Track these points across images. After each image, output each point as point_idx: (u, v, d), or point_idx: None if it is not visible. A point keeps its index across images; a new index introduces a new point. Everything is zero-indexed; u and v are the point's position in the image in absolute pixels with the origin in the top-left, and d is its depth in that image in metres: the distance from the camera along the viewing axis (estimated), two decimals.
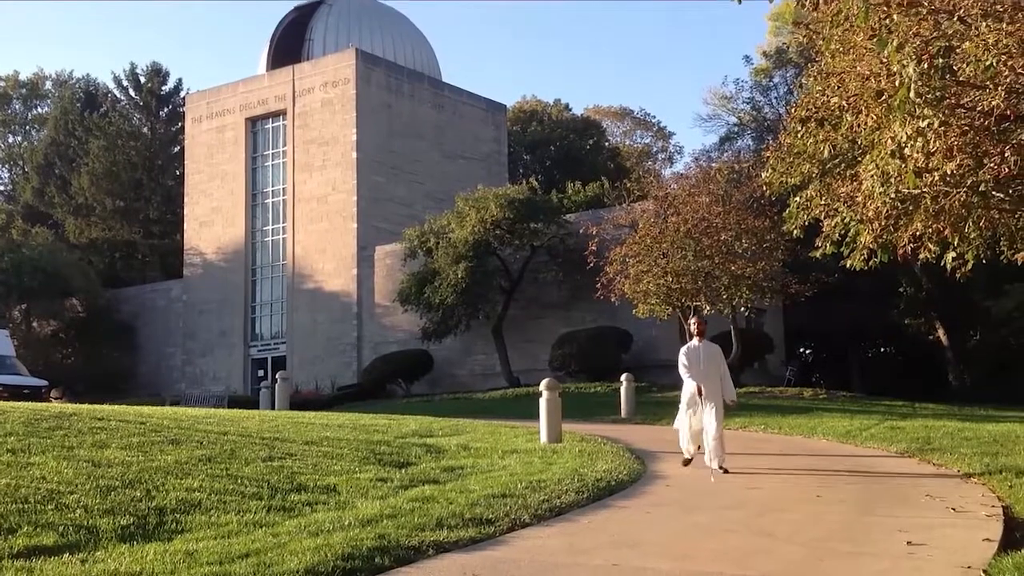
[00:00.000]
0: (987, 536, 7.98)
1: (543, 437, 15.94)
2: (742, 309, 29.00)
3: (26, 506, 8.39)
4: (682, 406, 13.29)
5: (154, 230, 59.77)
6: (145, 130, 62.31)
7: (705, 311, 27.62)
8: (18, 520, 7.95)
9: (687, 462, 13.22)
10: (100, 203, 58.12)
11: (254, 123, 50.74)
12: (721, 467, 12.47)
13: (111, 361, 49.90)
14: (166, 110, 63.30)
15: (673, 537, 8.37)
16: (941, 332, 43.83)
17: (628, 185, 34.11)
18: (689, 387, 13.10)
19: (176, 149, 60.95)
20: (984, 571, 6.65)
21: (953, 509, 9.55)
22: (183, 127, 56.28)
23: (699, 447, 13.16)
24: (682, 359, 13.18)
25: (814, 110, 12.11)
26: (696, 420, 12.96)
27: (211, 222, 50.96)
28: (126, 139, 58.82)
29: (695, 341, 13.41)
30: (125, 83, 63.15)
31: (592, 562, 7.32)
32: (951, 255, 11.96)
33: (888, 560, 7.21)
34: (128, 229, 58.90)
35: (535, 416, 16.82)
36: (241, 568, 6.73)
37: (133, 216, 59.10)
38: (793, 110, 13.32)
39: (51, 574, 6.61)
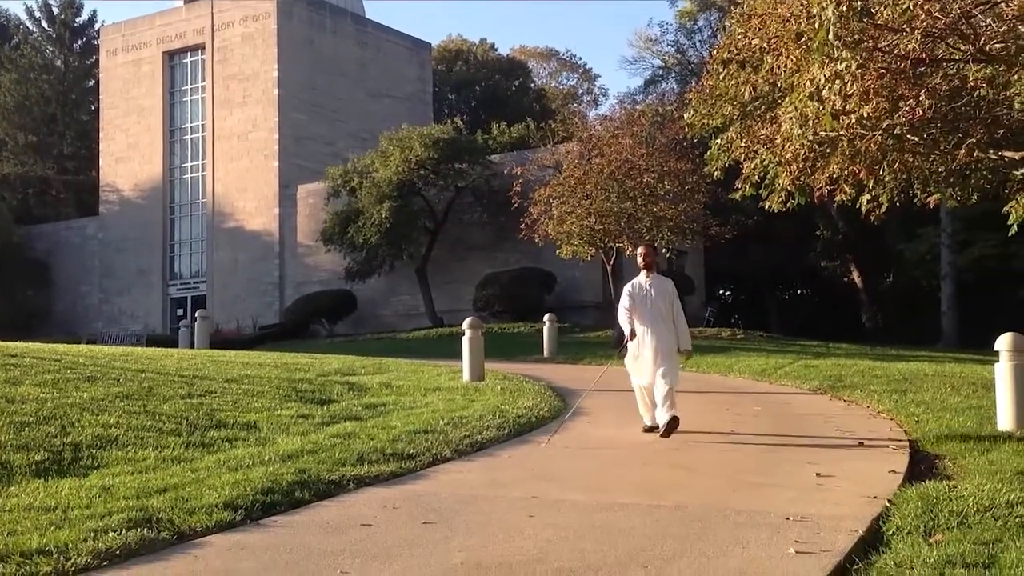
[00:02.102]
0: (893, 468, 8.26)
1: (466, 375, 16.03)
2: (664, 251, 29.29)
3: None
4: (630, 363, 10.74)
5: (68, 166, 58.26)
6: (58, 63, 60.48)
7: (627, 253, 27.88)
8: None
9: (649, 429, 10.68)
10: (12, 138, 56.47)
11: (171, 57, 49.51)
12: (673, 416, 10.11)
13: (25, 300, 48.79)
14: (80, 43, 61.45)
15: (592, 471, 8.51)
16: (856, 274, 44.91)
17: (553, 126, 34.10)
18: (634, 340, 10.64)
19: (91, 83, 59.31)
20: (889, 501, 6.89)
21: (861, 443, 9.85)
22: (98, 61, 54.69)
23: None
24: (624, 298, 10.71)
25: (736, 52, 12.17)
26: (643, 374, 10.52)
27: (128, 158, 49.79)
28: (39, 72, 57.08)
29: (642, 276, 10.78)
30: (38, 15, 61.21)
31: (512, 494, 7.42)
32: (866, 197, 12.21)
33: (797, 491, 7.43)
34: (41, 165, 57.36)
35: (458, 356, 16.89)
36: (159, 502, 6.70)
37: (46, 151, 57.53)
38: (716, 52, 13.39)
39: None
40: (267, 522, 6.55)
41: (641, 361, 10.52)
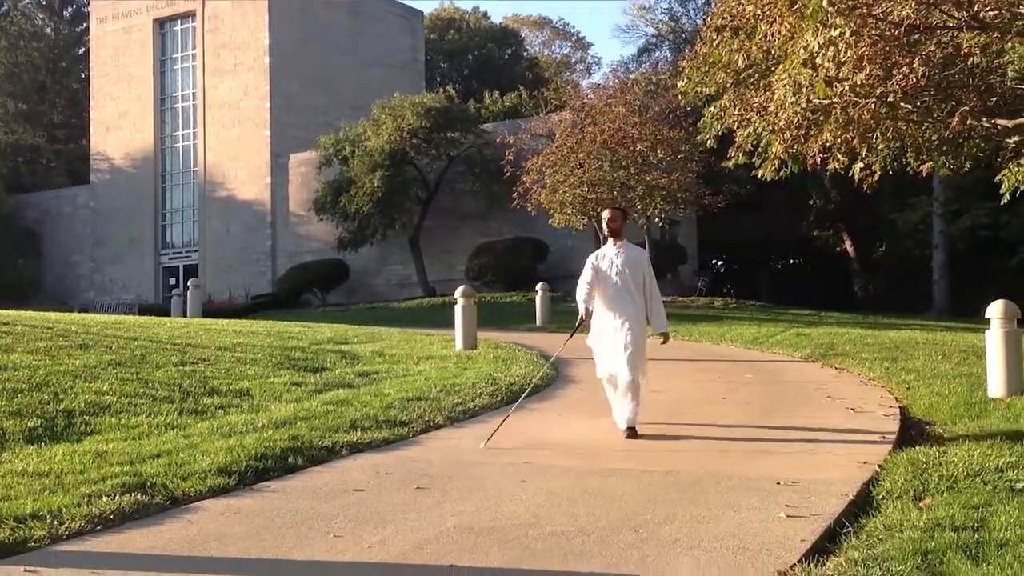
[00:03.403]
0: (884, 434, 8.30)
1: (458, 344, 16.05)
2: (656, 220, 29.30)
3: None
4: (593, 345, 9.08)
5: (59, 134, 57.96)
6: (48, 31, 60.03)
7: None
8: None
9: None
10: (2, 106, 56.19)
11: (162, 25, 49.09)
12: (629, 427, 8.57)
13: (15, 269, 48.61)
14: (70, 10, 60.94)
15: (584, 437, 8.56)
16: (848, 244, 44.98)
17: (546, 95, 33.95)
18: (597, 318, 8.99)
19: (81, 51, 58.87)
20: (879, 466, 6.94)
21: (852, 409, 9.90)
22: (88, 28, 54.23)
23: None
24: (586, 270, 8.99)
25: (730, 19, 12.14)
26: (607, 361, 8.84)
27: (118, 127, 49.50)
28: (28, 40, 56.66)
29: (609, 244, 9.06)
30: None
31: (503, 460, 7.45)
32: (859, 166, 12.21)
33: (788, 456, 7.47)
34: (32, 133, 57.05)
35: (451, 325, 16.91)
36: (152, 468, 6.72)
37: (37, 120, 57.20)
38: (709, 19, 13.33)
39: None
40: (260, 487, 6.58)
41: (605, 346, 8.82)
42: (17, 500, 5.81)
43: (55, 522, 5.40)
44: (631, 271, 8.88)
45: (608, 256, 8.97)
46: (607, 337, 8.78)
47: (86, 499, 5.84)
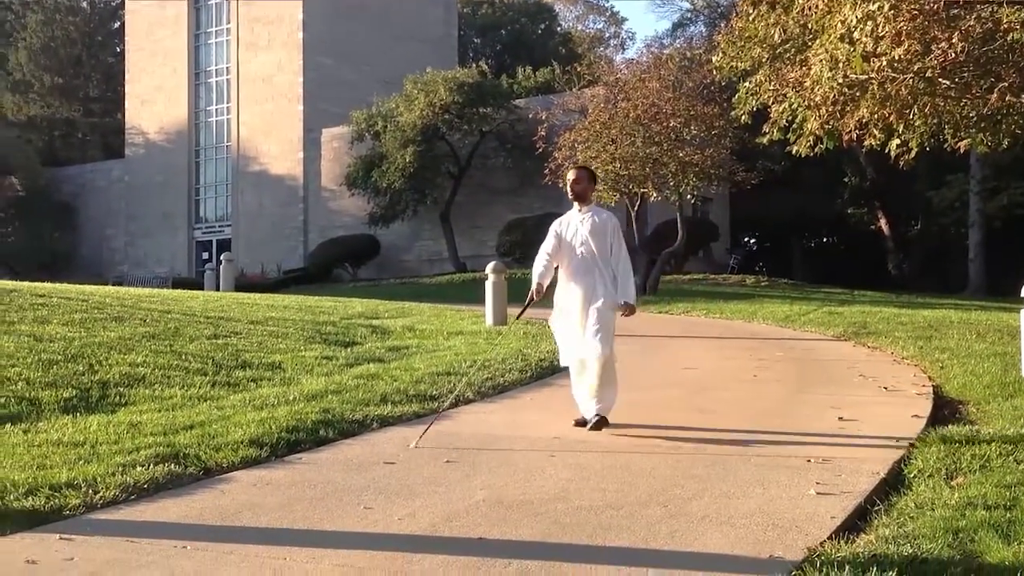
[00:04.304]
0: (916, 413, 8.24)
1: (488, 320, 16.08)
2: (689, 197, 29.11)
3: None
4: (556, 327, 7.96)
5: (94, 108, 58.38)
6: (84, 4, 60.38)
7: (652, 198, 27.72)
8: None
9: (582, 422, 7.77)
10: (38, 79, 56.56)
11: None
12: (597, 415, 7.59)
13: (52, 242, 49.19)
14: None
15: (613, 415, 8.53)
16: (883, 222, 44.54)
17: (579, 70, 33.75)
18: (560, 293, 7.92)
19: (116, 25, 59.21)
20: (911, 444, 6.88)
21: (885, 388, 9.83)
22: (123, 2, 54.50)
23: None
24: (548, 239, 7.93)
25: None
26: (570, 344, 7.78)
27: (153, 101, 49.80)
28: (64, 13, 57.01)
29: (574, 208, 7.97)
30: None
31: (532, 435, 7.47)
32: (896, 142, 12.08)
33: (819, 434, 7.43)
34: (67, 107, 57.49)
35: (481, 301, 16.94)
36: (185, 439, 6.78)
37: (72, 93, 57.62)
38: None
39: None
40: (292, 459, 6.63)
41: (569, 327, 7.75)
42: (53, 469, 5.88)
43: (90, 491, 5.46)
44: (597, 240, 7.76)
45: (572, 224, 7.89)
46: (571, 316, 7.72)
47: (120, 469, 5.90)
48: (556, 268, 7.89)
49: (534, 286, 7.74)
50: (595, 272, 7.71)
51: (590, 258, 7.73)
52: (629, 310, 7.74)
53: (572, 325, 7.71)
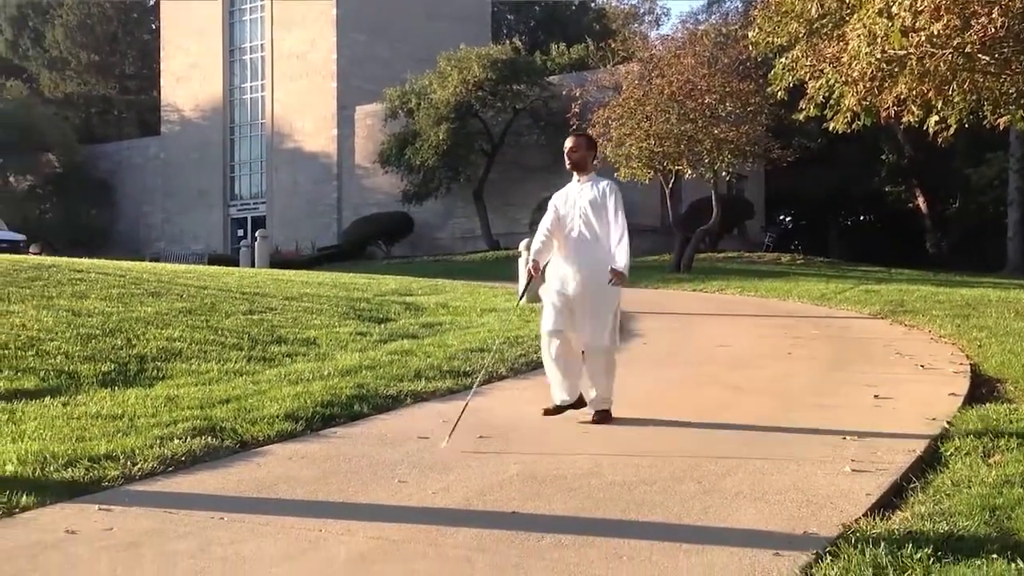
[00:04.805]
0: (953, 391, 8.17)
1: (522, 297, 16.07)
2: (724, 174, 28.94)
3: (6, 352, 8.46)
4: (545, 296, 7.34)
5: (130, 85, 58.78)
6: None
7: (686, 176, 27.55)
8: None
9: (554, 410, 7.28)
10: (75, 56, 57.01)
11: None
12: (598, 409, 7.17)
13: (89, 218, 49.71)
14: None
15: (647, 391, 8.53)
16: (921, 199, 44.07)
17: (613, 46, 33.55)
18: (556, 266, 7.31)
19: (152, 2, 59.47)
20: (948, 422, 6.83)
21: (922, 366, 9.75)
22: None
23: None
24: (548, 213, 7.40)
25: None
26: (555, 317, 7.13)
27: (188, 78, 50.08)
28: None
29: (574, 179, 7.44)
30: None
31: (566, 414, 7.46)
32: (934, 119, 11.94)
33: (855, 412, 7.39)
34: (104, 84, 57.93)
35: (515, 278, 16.96)
36: (222, 412, 6.85)
37: (108, 71, 58.04)
38: None
39: (32, 415, 6.71)
40: (327, 433, 6.68)
41: (563, 305, 7.12)
42: (92, 441, 5.96)
43: (128, 463, 5.53)
44: (595, 212, 7.20)
45: (571, 197, 7.35)
46: (566, 295, 7.12)
47: (158, 441, 5.97)
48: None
49: (530, 263, 7.39)
50: (595, 245, 7.17)
51: (589, 230, 7.20)
52: (619, 277, 7.02)
53: (567, 306, 7.11)
